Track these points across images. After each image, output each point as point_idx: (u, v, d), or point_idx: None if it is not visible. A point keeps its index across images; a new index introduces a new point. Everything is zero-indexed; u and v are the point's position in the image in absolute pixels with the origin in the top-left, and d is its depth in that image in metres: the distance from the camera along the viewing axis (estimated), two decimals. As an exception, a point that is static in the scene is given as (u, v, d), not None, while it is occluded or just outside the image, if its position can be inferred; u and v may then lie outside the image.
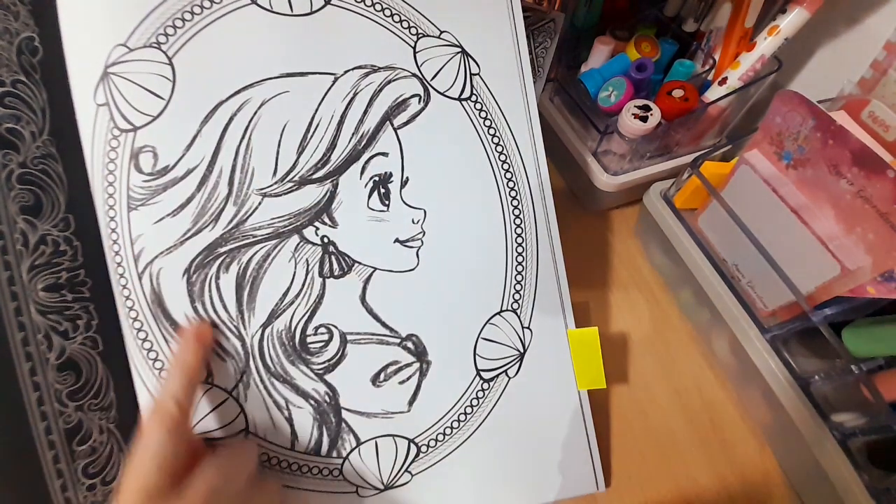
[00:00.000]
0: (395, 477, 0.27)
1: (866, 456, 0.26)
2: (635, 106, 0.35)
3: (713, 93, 0.37)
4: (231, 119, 0.24)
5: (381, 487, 0.27)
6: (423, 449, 0.28)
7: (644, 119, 0.35)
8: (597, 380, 0.29)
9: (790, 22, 0.33)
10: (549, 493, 0.29)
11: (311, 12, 0.25)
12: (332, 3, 0.26)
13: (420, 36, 0.27)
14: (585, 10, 0.43)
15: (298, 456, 0.26)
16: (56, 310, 0.23)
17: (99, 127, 0.23)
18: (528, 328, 0.29)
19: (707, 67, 0.38)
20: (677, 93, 0.36)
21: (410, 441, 0.28)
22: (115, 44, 0.23)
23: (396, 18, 0.26)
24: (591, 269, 0.40)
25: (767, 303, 0.30)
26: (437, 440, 0.28)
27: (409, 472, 0.28)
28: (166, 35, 0.24)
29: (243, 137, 0.25)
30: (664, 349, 0.36)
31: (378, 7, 0.26)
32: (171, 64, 0.24)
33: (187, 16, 0.24)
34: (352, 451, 0.27)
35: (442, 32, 0.27)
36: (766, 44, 0.34)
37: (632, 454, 0.32)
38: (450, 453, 0.28)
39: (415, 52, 0.27)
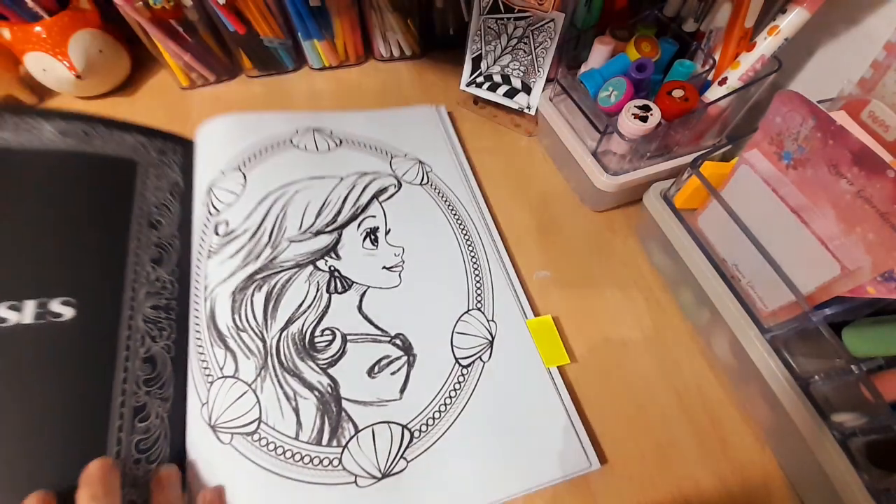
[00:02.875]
0: (391, 464, 0.29)
1: (866, 456, 0.26)
2: (635, 106, 0.35)
3: (713, 93, 0.37)
4: (275, 201, 0.39)
5: (379, 476, 0.29)
6: (416, 434, 0.31)
7: (644, 119, 0.35)
8: (560, 358, 0.34)
9: (790, 22, 0.33)
10: (542, 473, 0.30)
11: (329, 150, 0.43)
12: (341, 146, 0.44)
13: (393, 156, 0.44)
14: (585, 10, 0.43)
15: (302, 446, 0.30)
16: (154, 321, 0.32)
17: (201, 213, 0.38)
18: (493, 321, 0.36)
19: (707, 67, 0.38)
20: (677, 93, 0.36)
21: (404, 427, 0.31)
22: (218, 170, 0.40)
23: (379, 150, 0.44)
24: (591, 269, 0.40)
25: (767, 303, 0.30)
26: (427, 424, 0.31)
27: (405, 459, 0.30)
28: (245, 164, 0.41)
29: (281, 210, 0.38)
30: (664, 349, 0.36)
31: (369, 146, 0.44)
32: (244, 176, 0.40)
33: (257, 155, 0.41)
34: (350, 439, 0.30)
35: (406, 153, 0.45)
36: (766, 44, 0.34)
37: (631, 454, 0.32)
38: (440, 437, 0.31)
39: (391, 163, 0.43)
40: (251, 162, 0.41)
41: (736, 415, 0.33)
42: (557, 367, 0.34)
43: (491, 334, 0.35)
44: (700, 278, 0.33)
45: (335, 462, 0.29)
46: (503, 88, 0.47)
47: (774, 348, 0.29)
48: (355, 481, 0.29)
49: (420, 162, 0.44)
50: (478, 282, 0.37)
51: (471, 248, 0.39)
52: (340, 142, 0.44)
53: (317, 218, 0.38)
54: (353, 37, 0.52)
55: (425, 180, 0.43)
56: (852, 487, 0.25)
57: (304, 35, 0.51)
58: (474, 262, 0.38)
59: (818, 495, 0.28)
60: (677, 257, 0.35)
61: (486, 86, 0.48)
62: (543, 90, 0.45)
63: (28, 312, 0.29)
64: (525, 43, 0.44)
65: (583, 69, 0.42)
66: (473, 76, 0.49)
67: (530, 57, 0.45)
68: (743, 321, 0.31)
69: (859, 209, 0.24)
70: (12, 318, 0.28)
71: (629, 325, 0.37)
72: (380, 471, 0.29)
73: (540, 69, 0.45)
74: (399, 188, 0.42)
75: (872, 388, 0.25)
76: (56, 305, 0.29)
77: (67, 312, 0.30)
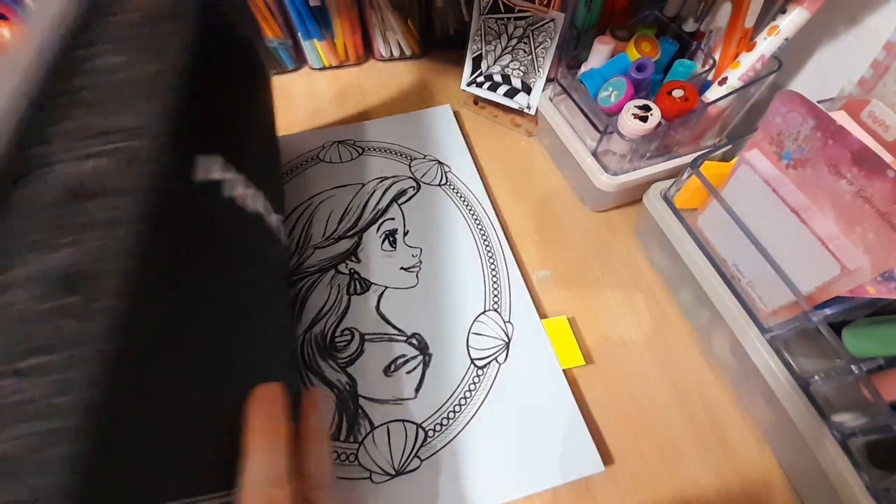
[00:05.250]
0: (405, 462, 0.30)
1: (866, 456, 0.26)
2: (635, 106, 0.35)
3: (713, 93, 0.37)
4: (302, 212, 0.41)
5: (393, 473, 0.30)
6: (430, 433, 0.31)
7: (644, 119, 0.35)
8: (575, 358, 0.34)
9: (790, 22, 0.33)
10: (553, 474, 0.30)
11: (352, 159, 0.45)
12: (363, 154, 0.45)
13: (412, 159, 0.45)
14: (585, 10, 0.43)
15: None
16: None
17: None
18: (510, 322, 0.36)
19: (707, 67, 0.38)
20: (677, 93, 0.36)
21: (418, 426, 0.31)
22: None
23: (399, 154, 0.46)
24: (591, 269, 0.40)
25: (767, 303, 0.30)
26: (442, 424, 0.31)
27: (419, 458, 0.30)
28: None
29: (307, 220, 0.41)
30: (664, 349, 0.36)
31: (389, 150, 0.46)
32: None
33: (288, 173, 0.44)
34: (367, 435, 0.31)
35: (426, 155, 0.46)
36: (766, 44, 0.34)
37: (632, 454, 0.32)
38: (455, 437, 0.31)
39: (410, 166, 0.45)
40: (287, 177, 0.44)
41: (736, 415, 0.33)
42: (562, 368, 0.34)
43: (507, 336, 0.35)
44: (700, 278, 0.33)
45: (352, 457, 0.30)
46: (503, 88, 0.47)
47: (774, 348, 0.29)
48: (370, 477, 0.29)
49: (439, 162, 0.45)
50: (495, 283, 0.37)
51: (488, 249, 0.39)
52: (362, 150, 0.46)
53: (339, 224, 0.40)
54: (353, 37, 0.52)
55: (444, 181, 0.44)
56: (852, 487, 0.25)
57: (304, 35, 0.51)
58: (491, 263, 0.38)
59: (818, 495, 0.28)
60: (677, 257, 0.35)
61: (486, 86, 0.48)
62: (543, 90, 0.45)
63: (272, 214, 0.29)
64: (525, 43, 0.44)
65: (583, 69, 0.41)
66: (474, 76, 0.49)
67: (530, 57, 0.45)
68: (743, 321, 0.31)
69: (859, 209, 0.24)
70: (251, 203, 0.26)
71: (629, 325, 0.37)
72: (394, 468, 0.30)
73: (540, 69, 0.45)
74: (418, 190, 0.43)
75: (872, 388, 0.25)
76: (281, 227, 0.31)
77: (284, 239, 0.32)
